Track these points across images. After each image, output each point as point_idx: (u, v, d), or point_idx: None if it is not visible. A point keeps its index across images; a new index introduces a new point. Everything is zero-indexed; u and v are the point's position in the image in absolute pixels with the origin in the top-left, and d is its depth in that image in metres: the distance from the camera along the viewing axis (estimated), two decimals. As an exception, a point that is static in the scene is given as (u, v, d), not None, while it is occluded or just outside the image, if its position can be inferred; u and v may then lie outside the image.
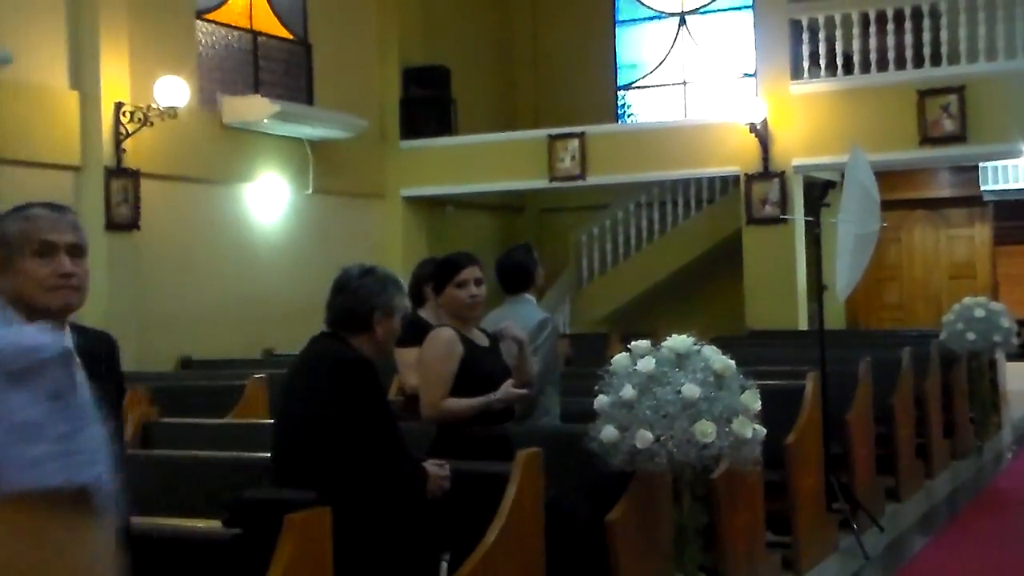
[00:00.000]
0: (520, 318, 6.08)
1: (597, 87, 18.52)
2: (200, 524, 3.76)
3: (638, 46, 18.86)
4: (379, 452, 4.14)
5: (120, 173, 11.93)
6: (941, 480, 10.18)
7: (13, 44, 10.90)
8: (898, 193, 17.26)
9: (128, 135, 11.92)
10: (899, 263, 18.85)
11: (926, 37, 13.58)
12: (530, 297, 6.22)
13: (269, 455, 4.44)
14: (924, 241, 18.87)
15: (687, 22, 18.41)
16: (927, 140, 13.33)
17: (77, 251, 2.98)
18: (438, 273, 5.45)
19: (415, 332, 6.69)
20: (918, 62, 13.64)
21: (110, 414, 3.06)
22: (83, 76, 11.82)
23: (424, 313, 6.89)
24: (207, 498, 4.10)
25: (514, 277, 6.20)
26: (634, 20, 18.86)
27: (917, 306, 18.54)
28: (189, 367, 11.71)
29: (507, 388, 5.18)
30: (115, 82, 11.93)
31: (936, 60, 13.62)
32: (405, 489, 4.24)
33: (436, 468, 4.38)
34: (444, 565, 4.32)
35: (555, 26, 18.84)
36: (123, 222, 11.94)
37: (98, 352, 3.12)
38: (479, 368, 5.23)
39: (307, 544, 3.45)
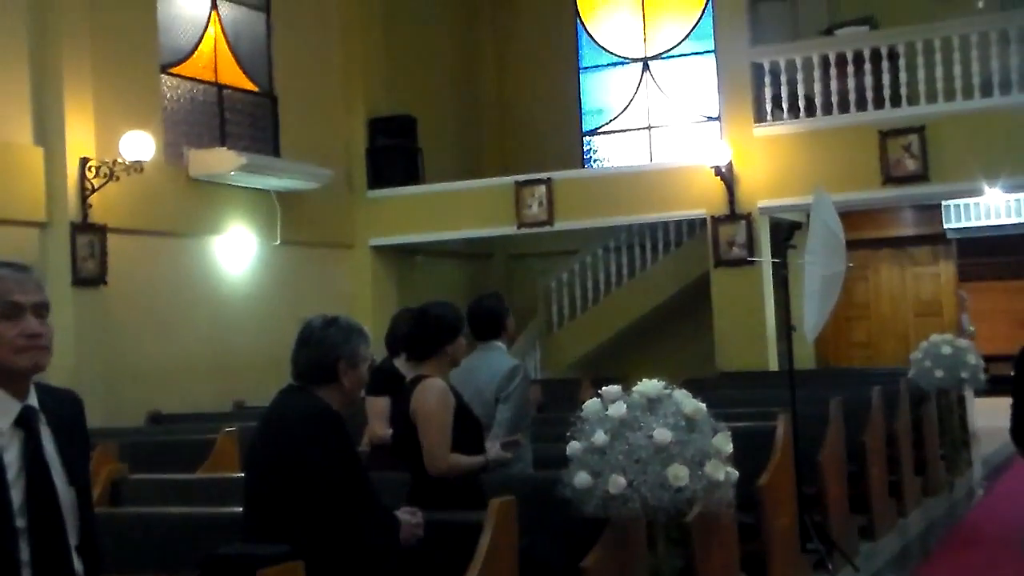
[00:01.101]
0: (491, 366, 6.10)
1: (563, 133, 18.62)
2: (172, 582, 3.73)
3: (603, 92, 18.99)
4: (350, 503, 4.11)
5: (86, 228, 11.87)
6: (914, 518, 10.19)
7: (-23, 101, 10.87)
8: (863, 232, 17.38)
9: (94, 190, 11.88)
10: (867, 301, 18.96)
11: (886, 79, 13.71)
12: (500, 344, 6.23)
13: (240, 509, 4.41)
14: (891, 279, 18.99)
15: (650, 67, 18.55)
16: (890, 180, 13.43)
17: (43, 310, 2.96)
18: (449, 330, 5.41)
19: (387, 382, 6.68)
20: (879, 103, 13.76)
21: (76, 474, 3.03)
22: (47, 131, 11.77)
23: (398, 363, 6.87)
24: (179, 555, 4.06)
25: (485, 324, 6.21)
26: (598, 66, 19.00)
27: (886, 344, 18.63)
28: (159, 422, 11.61)
29: (497, 451, 5.34)
30: (80, 137, 11.89)
31: (896, 101, 13.75)
32: (378, 539, 4.21)
33: (408, 516, 4.36)
34: (419, 616, 4.28)
35: (520, 73, 18.95)
36: (90, 277, 11.87)
37: (63, 411, 3.08)
38: (470, 416, 5.31)
39: (280, 599, 3.43)
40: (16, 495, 2.83)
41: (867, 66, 13.92)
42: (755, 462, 6.98)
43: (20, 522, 2.82)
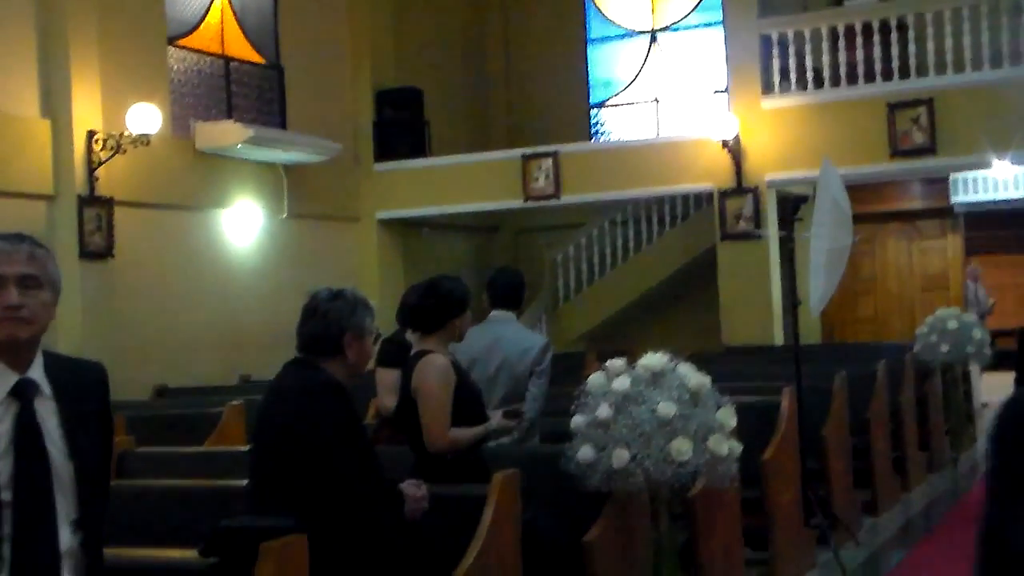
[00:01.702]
0: (518, 339, 6.14)
1: (570, 106, 18.56)
2: (176, 554, 3.75)
3: (610, 64, 18.91)
4: (354, 475, 4.13)
5: (93, 201, 11.89)
6: (917, 493, 10.22)
7: (-17, 74, 10.87)
8: (870, 206, 17.34)
9: (101, 163, 11.89)
10: (873, 276, 18.94)
11: (895, 50, 13.67)
12: (513, 316, 6.26)
13: (246, 482, 4.43)
14: (897, 253, 18.97)
15: (658, 39, 18.49)
16: (898, 152, 13.40)
17: (31, 282, 2.94)
18: (457, 304, 5.43)
19: (398, 354, 6.70)
20: (887, 75, 13.72)
21: (94, 448, 3.04)
22: (54, 105, 11.78)
23: (410, 336, 6.88)
24: (184, 527, 4.08)
25: (509, 294, 6.27)
26: (606, 38, 18.92)
27: (891, 318, 18.62)
28: (165, 395, 11.65)
29: (500, 419, 5.32)
30: (87, 110, 11.89)
31: (905, 73, 13.69)
32: (382, 512, 4.24)
33: (413, 489, 4.37)
34: (422, 589, 4.31)
35: (527, 46, 18.87)
36: (97, 250, 11.89)
37: (76, 383, 3.08)
38: (471, 391, 5.33)
39: (284, 572, 3.44)
40: (4, 468, 2.84)
41: (876, 37, 13.87)
42: (759, 437, 6.99)
43: (6, 495, 2.82)
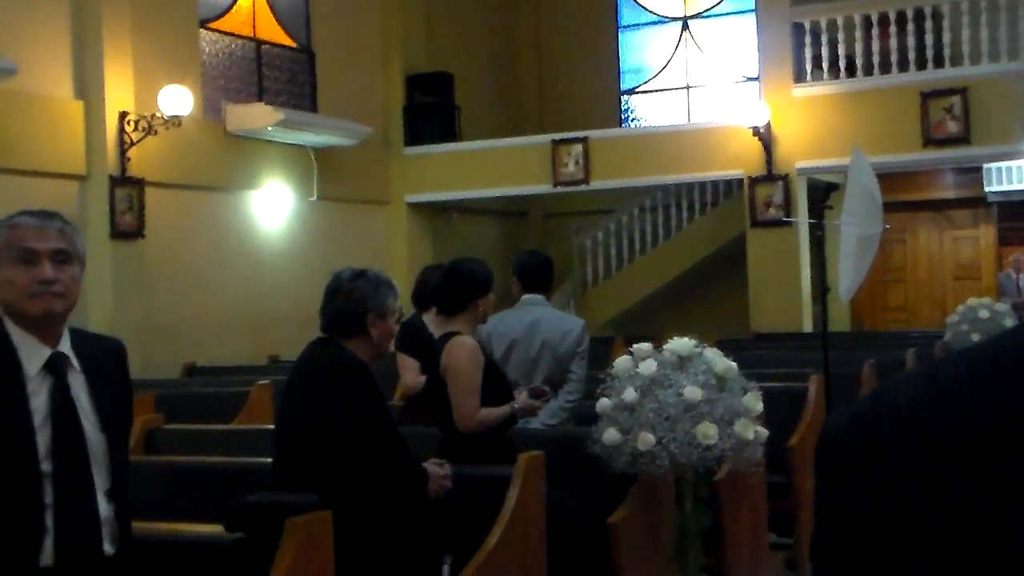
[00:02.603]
0: (557, 320, 6.18)
1: (601, 92, 18.51)
2: (203, 529, 3.77)
3: (641, 51, 18.85)
4: (378, 454, 4.15)
5: (125, 182, 11.95)
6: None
7: (17, 55, 10.92)
8: (902, 195, 17.23)
9: (132, 144, 11.94)
10: (904, 265, 18.82)
11: (928, 39, 13.58)
12: (545, 299, 6.26)
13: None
14: (929, 243, 18.84)
15: (690, 26, 18.41)
16: (930, 142, 13.32)
17: (63, 257, 2.98)
18: (481, 285, 5.44)
19: (411, 338, 6.73)
20: (921, 64, 13.63)
21: (116, 419, 3.08)
22: (87, 86, 11.84)
23: (426, 318, 6.90)
24: (211, 503, 4.10)
25: (541, 277, 6.27)
26: (637, 25, 18.86)
27: (922, 308, 18.51)
28: (194, 374, 11.71)
29: (525, 399, 5.30)
30: (119, 92, 11.95)
31: (939, 62, 13.61)
32: (406, 490, 4.25)
33: (436, 468, 4.39)
34: (446, 568, 4.32)
35: (558, 31, 18.83)
36: (128, 230, 11.96)
37: (100, 358, 3.12)
38: (498, 372, 5.35)
39: (309, 547, 3.46)
40: (43, 440, 2.88)
41: (910, 26, 13.77)
42: (786, 422, 6.98)
43: (46, 466, 2.87)
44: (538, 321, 6.10)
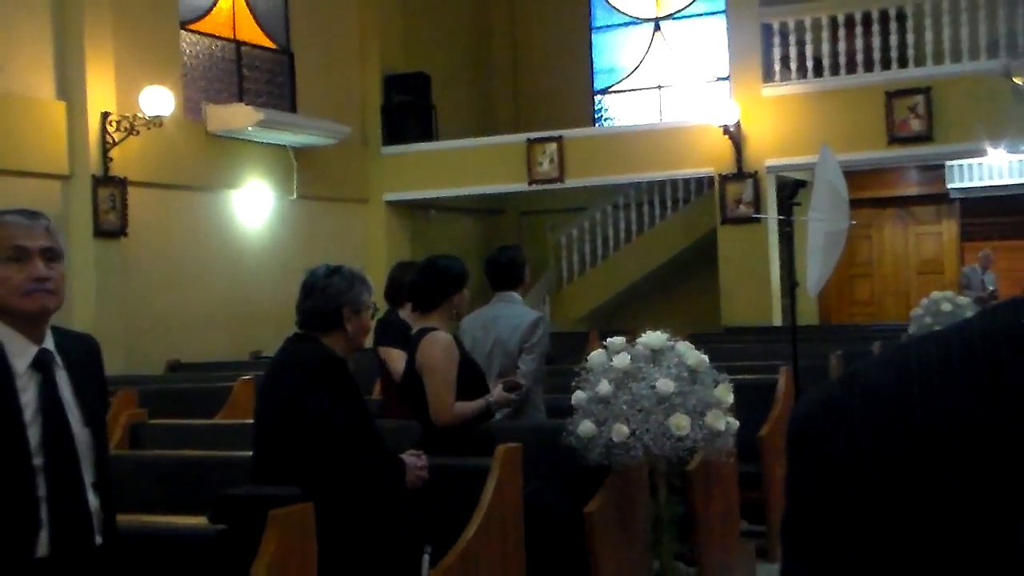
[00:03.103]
0: (512, 316, 6.13)
1: (574, 92, 18.54)
2: (187, 521, 3.77)
3: (614, 51, 18.88)
4: (355, 445, 4.15)
5: (107, 181, 11.90)
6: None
7: None
8: (868, 192, 17.32)
9: (115, 144, 11.90)
10: (870, 260, 18.90)
11: (893, 40, 13.66)
12: (517, 296, 6.24)
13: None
14: (894, 238, 18.93)
15: (661, 27, 18.44)
16: (895, 140, 13.39)
17: (51, 255, 2.98)
18: (455, 281, 5.43)
19: (395, 331, 6.70)
20: (886, 64, 13.71)
21: (92, 415, 3.08)
22: (69, 86, 11.79)
23: (403, 313, 6.88)
24: (195, 496, 4.10)
25: (505, 274, 6.23)
26: (610, 26, 18.88)
27: (887, 301, 18.59)
28: (177, 370, 11.68)
29: (500, 392, 5.31)
30: (101, 92, 11.90)
31: (903, 62, 13.69)
32: (384, 481, 4.25)
33: (413, 459, 4.39)
34: (426, 557, 4.32)
35: (533, 33, 18.85)
36: (111, 229, 11.91)
37: (80, 355, 3.13)
38: (473, 366, 5.35)
39: (291, 538, 3.46)
40: (33, 435, 2.89)
41: (875, 27, 13.85)
42: (757, 413, 7.02)
43: (37, 460, 2.88)
44: (494, 319, 6.09)
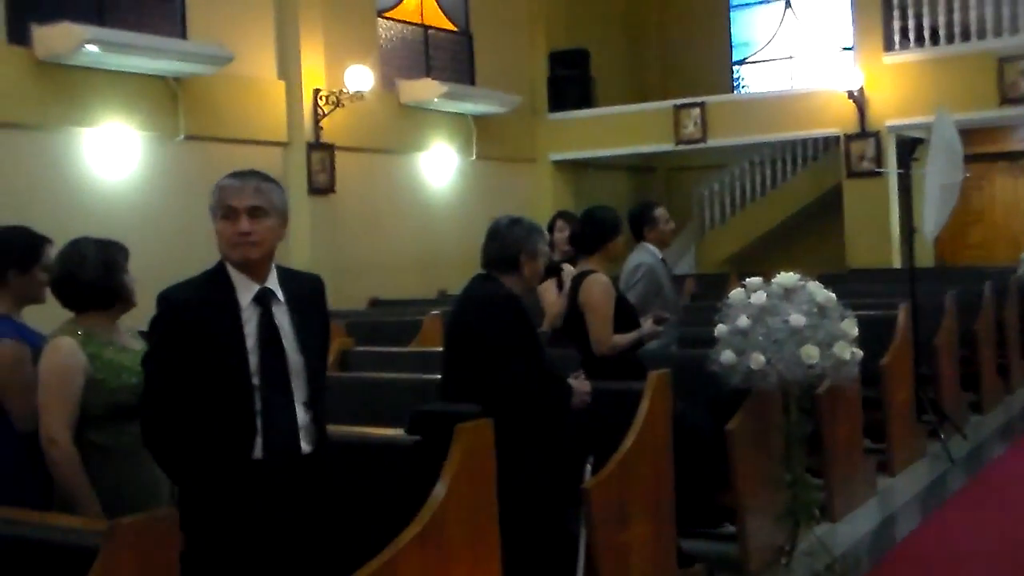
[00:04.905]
0: (627, 263, 6.08)
1: (715, 63, 18.21)
2: (387, 432, 3.82)
3: (750, 26, 18.45)
4: (529, 371, 4.15)
5: (319, 147, 12.14)
6: (1019, 395, 9.83)
7: (232, 44, 11.14)
8: (981, 147, 16.57)
9: (324, 115, 12.11)
10: (982, 208, 18.11)
11: (1005, 10, 13.01)
12: (648, 245, 6.11)
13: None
14: (1004, 189, 18.09)
15: (791, 3, 17.93)
16: (1006, 100, 12.81)
17: (258, 212, 3.02)
18: (611, 229, 5.37)
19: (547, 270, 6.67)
20: (997, 32, 13.08)
21: (316, 344, 3.14)
22: (287, 68, 12.03)
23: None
24: (393, 411, 4.16)
25: (633, 226, 6.14)
26: (746, 4, 18.47)
27: (998, 246, 17.81)
28: (377, 306, 11.89)
29: (649, 325, 5.26)
30: (313, 72, 12.12)
31: (1014, 30, 13.05)
32: (554, 401, 4.25)
33: (579, 383, 4.37)
34: (588, 467, 4.32)
35: (678, 11, 18.55)
36: (322, 187, 12.16)
37: (305, 293, 3.19)
38: (626, 303, 5.31)
39: (474, 449, 3.48)
40: (254, 360, 2.97)
41: (988, -1, 13.22)
42: (878, 345, 6.82)
43: (256, 380, 2.96)
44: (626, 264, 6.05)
